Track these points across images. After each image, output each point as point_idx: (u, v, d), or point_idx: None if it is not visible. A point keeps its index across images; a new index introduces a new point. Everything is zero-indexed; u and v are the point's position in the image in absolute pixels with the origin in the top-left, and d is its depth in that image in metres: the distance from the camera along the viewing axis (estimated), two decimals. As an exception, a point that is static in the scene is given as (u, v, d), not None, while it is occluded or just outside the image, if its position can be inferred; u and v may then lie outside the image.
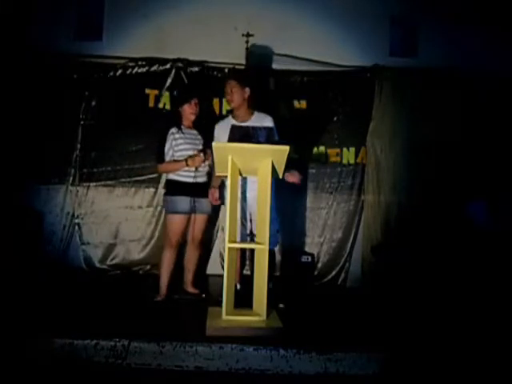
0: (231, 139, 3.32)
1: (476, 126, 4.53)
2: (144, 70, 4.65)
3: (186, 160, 3.40)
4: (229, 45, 4.69)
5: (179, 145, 3.49)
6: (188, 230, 3.59)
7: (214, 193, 3.43)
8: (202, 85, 4.51)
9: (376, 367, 2.50)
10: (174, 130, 3.53)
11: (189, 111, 3.55)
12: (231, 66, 4.65)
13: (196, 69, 4.66)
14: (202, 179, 3.53)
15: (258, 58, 4.67)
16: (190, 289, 3.67)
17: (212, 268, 4.61)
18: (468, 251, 4.17)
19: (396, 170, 4.58)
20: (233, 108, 3.49)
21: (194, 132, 3.60)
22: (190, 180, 3.47)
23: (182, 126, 3.57)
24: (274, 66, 4.67)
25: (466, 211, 4.05)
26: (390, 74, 4.64)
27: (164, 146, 3.49)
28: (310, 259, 4.25)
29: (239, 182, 3.14)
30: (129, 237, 4.59)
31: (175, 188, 3.50)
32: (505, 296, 3.61)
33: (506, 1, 4.59)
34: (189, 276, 3.69)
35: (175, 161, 3.46)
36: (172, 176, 3.53)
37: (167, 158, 3.50)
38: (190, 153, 3.45)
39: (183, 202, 3.45)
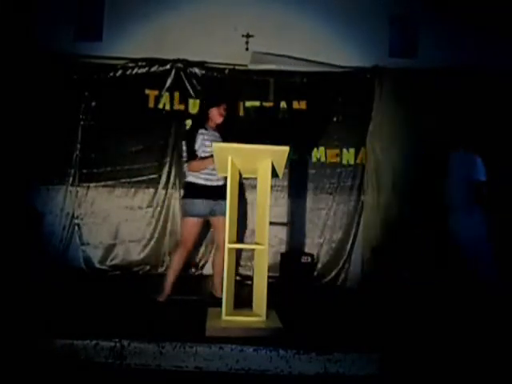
0: None
1: (476, 126, 4.53)
2: (144, 70, 4.66)
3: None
4: (229, 45, 4.70)
5: (207, 146, 3.43)
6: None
7: None
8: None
9: (376, 368, 2.51)
10: (203, 130, 3.50)
11: (217, 114, 3.54)
12: (231, 66, 4.66)
13: (196, 69, 4.68)
14: (221, 182, 3.46)
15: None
16: (219, 293, 3.43)
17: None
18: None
19: (396, 171, 4.58)
20: None
21: (217, 134, 3.57)
22: (210, 183, 3.44)
23: (207, 127, 3.55)
24: (274, 66, 4.66)
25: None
26: (390, 74, 4.64)
27: (193, 145, 3.45)
28: (309, 260, 4.25)
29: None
30: (128, 237, 4.59)
31: (194, 191, 3.46)
32: (505, 297, 3.60)
33: (506, 1, 4.60)
34: (217, 280, 3.55)
35: (201, 158, 3.43)
36: (192, 178, 3.49)
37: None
38: None
39: (202, 205, 3.41)
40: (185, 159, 3.52)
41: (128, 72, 4.65)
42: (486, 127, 4.52)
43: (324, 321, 3.21)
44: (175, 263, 3.49)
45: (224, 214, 3.36)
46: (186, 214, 3.49)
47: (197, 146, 3.45)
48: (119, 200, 4.62)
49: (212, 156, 3.24)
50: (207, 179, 3.45)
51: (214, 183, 3.46)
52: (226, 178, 3.40)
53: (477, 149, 4.44)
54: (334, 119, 4.68)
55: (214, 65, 4.68)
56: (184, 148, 3.49)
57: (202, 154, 3.45)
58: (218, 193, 3.42)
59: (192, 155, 3.44)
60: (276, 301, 3.05)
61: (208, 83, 4.66)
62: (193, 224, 3.44)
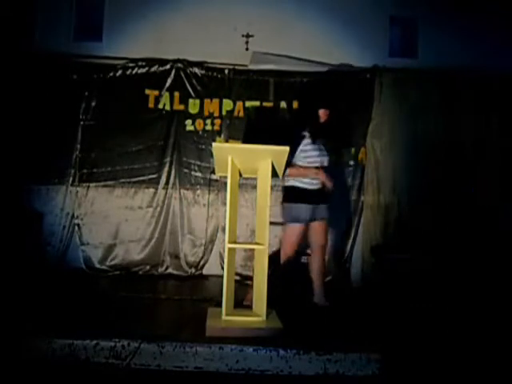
0: None
1: (476, 126, 4.54)
2: (144, 70, 4.66)
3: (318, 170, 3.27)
4: (229, 45, 4.71)
5: (308, 151, 3.31)
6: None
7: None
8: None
9: (375, 368, 2.50)
10: (307, 133, 3.37)
11: (320, 117, 3.37)
12: (231, 66, 4.67)
13: (196, 69, 4.68)
14: (318, 186, 3.33)
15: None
16: (322, 301, 3.43)
17: (212, 268, 4.62)
18: (468, 251, 4.18)
19: (396, 171, 4.58)
20: None
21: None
22: (312, 187, 3.29)
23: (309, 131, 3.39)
24: (274, 66, 4.66)
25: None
26: (390, 74, 4.64)
27: (296, 148, 3.28)
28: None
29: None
30: (128, 237, 4.59)
31: (298, 195, 3.28)
32: (503, 297, 3.61)
33: (505, 1, 4.61)
34: (318, 286, 3.44)
35: (306, 168, 3.28)
36: (293, 182, 3.32)
37: (295, 162, 3.30)
38: (317, 160, 3.31)
39: (306, 210, 3.26)
40: None
41: (128, 72, 4.65)
42: (485, 126, 4.54)
43: (324, 321, 3.21)
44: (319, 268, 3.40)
45: (322, 218, 3.36)
46: (289, 219, 3.32)
47: (298, 151, 3.29)
48: (119, 200, 4.62)
49: (313, 168, 3.24)
50: (309, 183, 3.30)
51: (315, 187, 3.30)
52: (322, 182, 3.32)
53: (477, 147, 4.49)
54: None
55: (214, 65, 4.68)
56: None
57: (302, 159, 3.29)
58: (318, 196, 3.30)
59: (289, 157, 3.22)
60: (276, 301, 3.05)
61: (208, 83, 4.67)
62: (297, 230, 3.29)
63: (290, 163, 3.20)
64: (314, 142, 3.34)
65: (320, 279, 3.48)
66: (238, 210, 3.15)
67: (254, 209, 4.23)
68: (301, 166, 3.29)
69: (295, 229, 3.30)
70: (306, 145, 3.32)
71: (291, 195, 3.33)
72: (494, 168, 4.50)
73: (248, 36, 4.77)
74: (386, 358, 2.53)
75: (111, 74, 4.63)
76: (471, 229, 4.28)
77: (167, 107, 4.65)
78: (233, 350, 2.52)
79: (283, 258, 3.38)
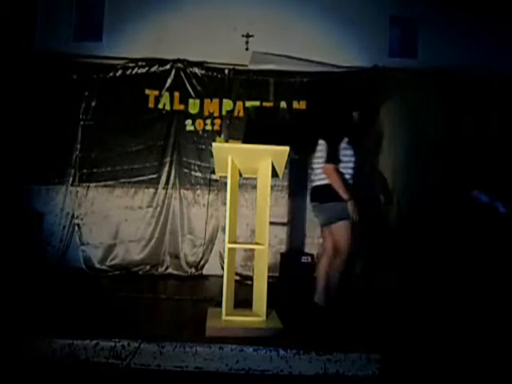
0: None
1: (476, 126, 4.54)
2: (144, 70, 4.67)
3: (352, 201, 3.22)
4: (229, 45, 4.71)
5: (346, 149, 3.31)
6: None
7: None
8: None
9: (375, 368, 2.50)
10: (343, 134, 3.37)
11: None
12: (231, 66, 4.67)
13: (196, 69, 4.68)
14: None
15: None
16: (323, 301, 3.42)
17: (212, 268, 4.62)
18: (467, 250, 4.18)
19: (395, 171, 4.58)
20: None
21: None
22: None
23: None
24: (274, 66, 4.67)
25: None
26: (390, 74, 4.65)
27: (337, 146, 3.28)
28: (309, 259, 4.25)
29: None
30: (128, 237, 4.59)
31: (337, 194, 3.25)
32: (503, 297, 3.61)
33: (505, 1, 4.61)
34: (321, 286, 3.44)
35: (346, 187, 3.24)
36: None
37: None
38: (352, 159, 3.33)
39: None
40: (323, 159, 3.28)
41: (128, 72, 4.65)
42: (485, 126, 4.54)
43: (324, 321, 3.20)
44: (325, 270, 3.39)
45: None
46: (343, 216, 3.26)
47: (340, 147, 3.29)
48: (119, 200, 4.62)
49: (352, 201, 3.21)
50: None
51: None
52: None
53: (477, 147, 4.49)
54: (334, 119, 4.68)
55: (214, 65, 4.69)
56: (323, 144, 3.31)
57: (341, 157, 3.28)
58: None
59: (333, 156, 3.25)
60: (276, 301, 3.05)
61: (208, 83, 4.67)
62: (349, 226, 3.29)
63: (328, 161, 3.23)
64: (349, 142, 3.36)
65: (324, 279, 3.46)
66: (238, 210, 3.15)
67: (254, 209, 4.24)
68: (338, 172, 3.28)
69: (349, 225, 3.29)
70: (345, 143, 3.33)
71: (334, 194, 3.27)
72: (494, 168, 4.49)
73: (248, 36, 4.78)
74: (386, 357, 2.53)
75: (111, 74, 4.63)
76: (471, 228, 4.28)
77: (167, 107, 4.66)
78: (233, 350, 2.52)
79: (348, 254, 3.35)
